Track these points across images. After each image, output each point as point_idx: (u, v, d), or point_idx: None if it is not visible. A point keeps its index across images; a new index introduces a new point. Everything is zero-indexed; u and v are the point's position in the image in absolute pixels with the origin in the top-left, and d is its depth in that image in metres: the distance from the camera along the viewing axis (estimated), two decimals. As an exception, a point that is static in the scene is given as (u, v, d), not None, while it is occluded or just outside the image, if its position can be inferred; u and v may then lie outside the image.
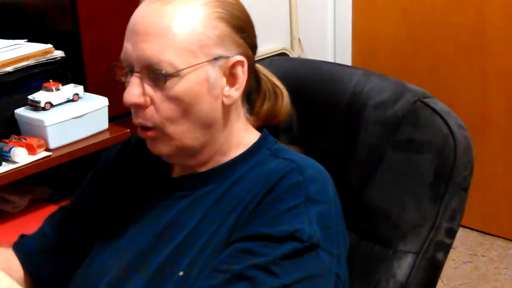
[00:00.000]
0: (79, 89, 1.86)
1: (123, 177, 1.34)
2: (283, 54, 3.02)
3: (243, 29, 1.18)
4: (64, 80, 1.87)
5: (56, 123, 1.77)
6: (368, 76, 1.36)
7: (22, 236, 1.41)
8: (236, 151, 1.23)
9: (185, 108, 1.15)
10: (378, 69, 1.50)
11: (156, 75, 1.13)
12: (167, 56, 1.12)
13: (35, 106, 1.79)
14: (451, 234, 1.27)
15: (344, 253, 1.19)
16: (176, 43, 1.12)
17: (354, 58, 3.27)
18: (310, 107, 1.40)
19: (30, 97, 1.80)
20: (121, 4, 1.88)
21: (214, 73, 1.15)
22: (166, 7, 1.13)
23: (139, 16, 1.15)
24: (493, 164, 2.98)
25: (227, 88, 1.18)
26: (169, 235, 1.20)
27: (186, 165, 1.25)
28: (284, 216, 1.11)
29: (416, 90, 1.32)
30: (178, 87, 1.14)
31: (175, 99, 1.14)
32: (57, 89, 1.82)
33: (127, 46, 1.15)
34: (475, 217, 3.01)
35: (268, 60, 1.48)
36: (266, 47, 2.99)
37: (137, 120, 1.18)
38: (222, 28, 1.15)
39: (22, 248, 1.37)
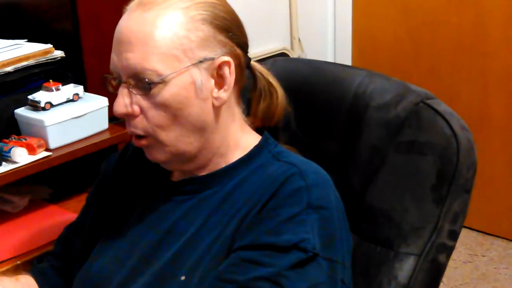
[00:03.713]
0: (79, 89, 1.85)
1: (124, 183, 1.34)
2: (283, 54, 3.01)
3: (227, 28, 1.18)
4: (64, 80, 1.86)
5: (56, 123, 1.76)
6: (371, 77, 1.36)
7: (39, 261, 1.44)
8: (235, 153, 1.23)
9: (174, 113, 1.15)
10: (378, 69, 1.50)
11: (142, 84, 1.13)
12: (150, 64, 1.12)
13: (35, 106, 1.78)
14: (454, 236, 1.26)
15: (348, 257, 1.18)
16: (158, 50, 1.12)
17: (354, 58, 3.27)
18: (313, 108, 1.39)
19: (30, 97, 1.79)
20: (121, 4, 1.87)
21: (200, 76, 1.15)
22: (147, 14, 1.13)
23: (121, 26, 1.15)
24: (493, 164, 2.98)
25: (215, 90, 1.17)
26: (170, 239, 1.19)
27: (186, 170, 1.24)
28: (287, 224, 1.10)
29: (419, 91, 1.32)
30: (165, 93, 1.13)
31: (163, 106, 1.14)
32: (57, 89, 1.81)
33: (113, 56, 1.16)
34: (475, 217, 3.00)
35: (271, 61, 1.48)
36: (266, 47, 2.99)
37: (130, 129, 1.18)
38: (205, 30, 1.15)
39: (37, 269, 1.41)
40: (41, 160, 1.72)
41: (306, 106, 1.39)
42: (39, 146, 1.73)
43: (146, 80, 1.12)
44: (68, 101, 1.83)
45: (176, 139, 1.17)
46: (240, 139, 1.24)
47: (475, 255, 2.96)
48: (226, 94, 1.18)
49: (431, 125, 1.28)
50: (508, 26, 2.83)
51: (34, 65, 1.84)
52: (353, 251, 1.25)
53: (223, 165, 1.22)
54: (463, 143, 1.25)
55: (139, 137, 1.18)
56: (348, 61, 3.25)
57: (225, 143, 1.22)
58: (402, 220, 1.27)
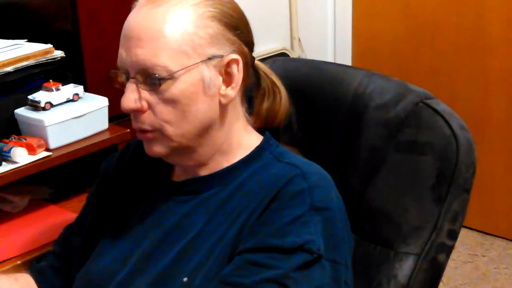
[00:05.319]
0: (79, 89, 1.85)
1: (125, 182, 1.34)
2: (283, 54, 3.01)
3: (236, 26, 1.18)
4: (64, 80, 1.86)
5: (56, 123, 1.76)
6: (371, 77, 1.36)
7: (37, 261, 1.44)
8: (237, 153, 1.23)
9: (182, 109, 1.15)
10: (378, 69, 1.50)
11: (151, 79, 1.13)
12: (160, 60, 1.12)
13: (35, 106, 1.78)
14: (453, 235, 1.26)
15: (350, 257, 1.18)
16: (168, 46, 1.12)
17: (354, 58, 3.27)
18: (312, 108, 1.39)
19: (30, 97, 1.79)
20: (121, 4, 1.88)
21: (209, 73, 1.15)
22: (157, 10, 1.13)
23: (131, 22, 1.15)
24: (493, 164, 2.98)
25: (223, 87, 1.18)
26: (172, 240, 1.19)
27: (185, 165, 1.24)
28: (291, 225, 1.10)
29: (418, 91, 1.32)
30: (173, 89, 1.14)
31: (171, 102, 1.14)
32: (57, 89, 1.81)
33: (122, 52, 1.16)
34: (475, 217, 3.00)
35: (271, 61, 1.48)
36: (266, 47, 2.99)
37: (137, 125, 1.18)
38: (214, 27, 1.15)
39: (35, 268, 1.41)
40: (41, 160, 1.72)
41: (305, 106, 1.39)
42: (39, 146, 1.74)
43: (156, 75, 1.13)
44: (68, 101, 1.83)
45: (182, 134, 1.17)
46: (242, 139, 1.24)
47: (475, 255, 2.96)
48: (234, 92, 1.18)
49: (430, 125, 1.28)
50: (508, 26, 2.83)
51: (34, 65, 1.84)
52: (353, 251, 1.25)
53: (225, 164, 1.23)
54: (462, 142, 1.25)
55: (145, 131, 1.18)
56: (348, 61, 3.25)
57: (228, 142, 1.22)
58: (402, 219, 1.27)
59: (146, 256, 1.21)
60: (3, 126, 1.78)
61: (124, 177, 1.35)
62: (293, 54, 3.11)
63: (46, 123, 1.75)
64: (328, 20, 3.25)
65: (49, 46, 1.88)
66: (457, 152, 1.25)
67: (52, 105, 1.79)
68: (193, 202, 1.22)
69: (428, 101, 1.30)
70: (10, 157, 1.69)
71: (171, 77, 1.13)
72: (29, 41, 1.92)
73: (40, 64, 1.85)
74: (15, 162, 1.70)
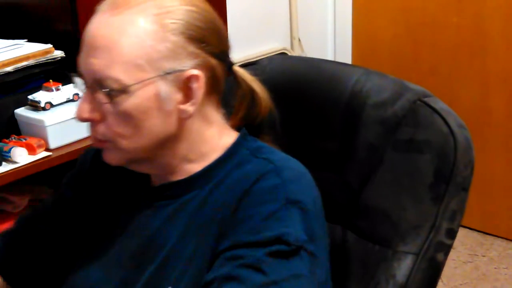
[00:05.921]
0: (79, 89, 1.86)
1: (102, 184, 1.29)
2: (283, 54, 3.02)
3: (201, 39, 1.11)
4: (64, 80, 1.87)
5: (56, 123, 1.77)
6: (368, 75, 1.36)
7: None
8: (211, 156, 1.18)
9: (135, 124, 1.10)
10: (378, 69, 1.50)
11: (104, 91, 1.08)
12: (113, 72, 1.07)
13: (35, 106, 1.79)
14: (451, 234, 1.26)
15: (324, 254, 1.15)
16: (122, 58, 1.07)
17: (354, 58, 3.27)
18: (309, 106, 1.39)
19: (30, 97, 1.80)
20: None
21: (166, 88, 1.09)
22: (115, 18, 1.08)
23: (89, 28, 1.10)
24: (493, 164, 2.98)
25: (182, 102, 1.12)
26: (155, 247, 1.16)
27: (149, 173, 1.21)
28: (267, 221, 1.07)
29: (416, 89, 1.31)
30: (127, 103, 1.08)
31: (124, 115, 1.09)
32: (57, 89, 1.82)
33: (80, 58, 1.11)
34: (475, 217, 3.01)
35: (268, 59, 1.47)
36: (266, 47, 2.99)
37: (91, 133, 1.14)
38: (175, 40, 1.08)
39: None
40: (41, 160, 1.73)
41: (303, 104, 1.39)
42: (39, 146, 1.74)
43: (108, 88, 1.08)
44: (68, 101, 1.83)
45: (136, 148, 1.12)
46: (218, 143, 1.19)
47: (475, 255, 2.96)
48: (193, 108, 1.12)
49: (428, 123, 1.27)
50: (508, 26, 2.83)
51: (34, 65, 1.85)
52: (350, 250, 1.25)
53: (199, 168, 1.18)
54: (460, 141, 1.25)
55: (99, 140, 1.14)
56: (348, 61, 3.25)
57: (197, 150, 1.17)
58: (400, 218, 1.26)
59: (133, 266, 1.17)
60: (3, 126, 1.79)
61: (100, 178, 1.29)
62: (293, 54, 3.11)
63: (46, 123, 1.76)
64: (328, 20, 3.26)
65: (49, 46, 1.89)
66: (455, 150, 1.25)
67: (52, 105, 1.79)
68: (172, 206, 1.17)
69: (425, 99, 1.30)
70: (10, 157, 1.70)
71: (124, 90, 1.07)
72: (29, 41, 1.92)
73: (40, 64, 1.86)
74: (15, 162, 1.70)
